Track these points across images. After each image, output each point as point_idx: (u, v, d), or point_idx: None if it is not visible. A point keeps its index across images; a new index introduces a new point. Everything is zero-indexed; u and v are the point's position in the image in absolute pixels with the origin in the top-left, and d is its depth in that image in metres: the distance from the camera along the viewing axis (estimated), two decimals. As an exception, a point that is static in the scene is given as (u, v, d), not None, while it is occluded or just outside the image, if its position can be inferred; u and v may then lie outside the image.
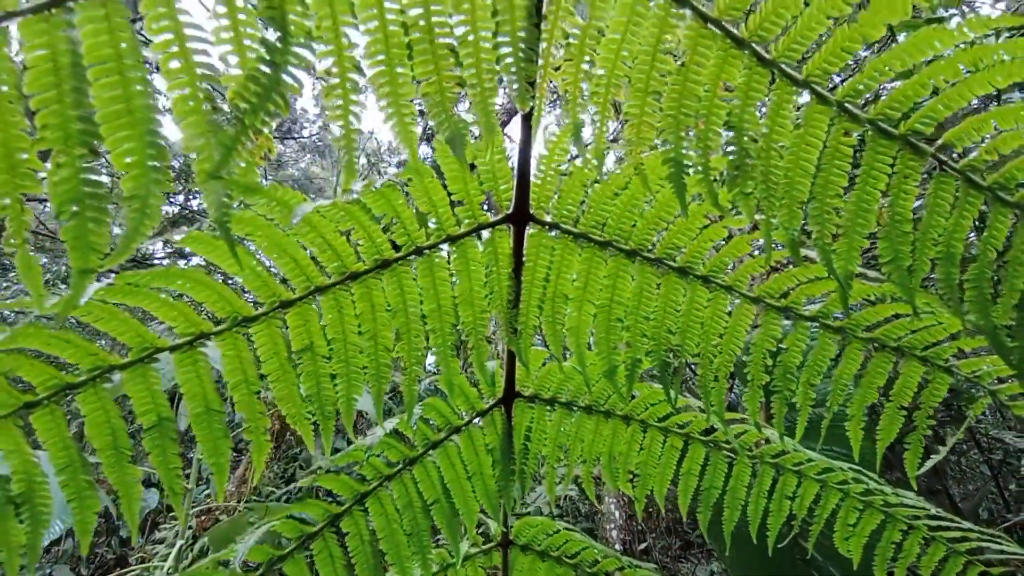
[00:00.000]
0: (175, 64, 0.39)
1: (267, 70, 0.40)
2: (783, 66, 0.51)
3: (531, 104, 0.47)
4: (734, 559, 1.43)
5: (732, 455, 0.77)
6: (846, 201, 0.54)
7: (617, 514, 3.21)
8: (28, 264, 0.38)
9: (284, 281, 0.55)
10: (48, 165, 0.37)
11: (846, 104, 0.53)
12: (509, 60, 0.46)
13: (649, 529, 3.40)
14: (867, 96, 0.54)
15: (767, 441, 0.76)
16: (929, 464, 0.73)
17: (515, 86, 0.46)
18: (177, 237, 0.46)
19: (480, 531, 0.80)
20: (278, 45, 0.41)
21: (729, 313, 0.65)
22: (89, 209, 0.37)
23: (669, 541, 3.49)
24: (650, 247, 0.62)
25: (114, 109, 0.38)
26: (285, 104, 0.41)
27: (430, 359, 0.60)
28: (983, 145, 0.54)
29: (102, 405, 0.52)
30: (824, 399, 0.67)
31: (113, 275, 0.48)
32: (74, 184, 0.37)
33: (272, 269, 0.58)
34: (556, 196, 0.58)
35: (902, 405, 0.68)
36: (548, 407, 0.73)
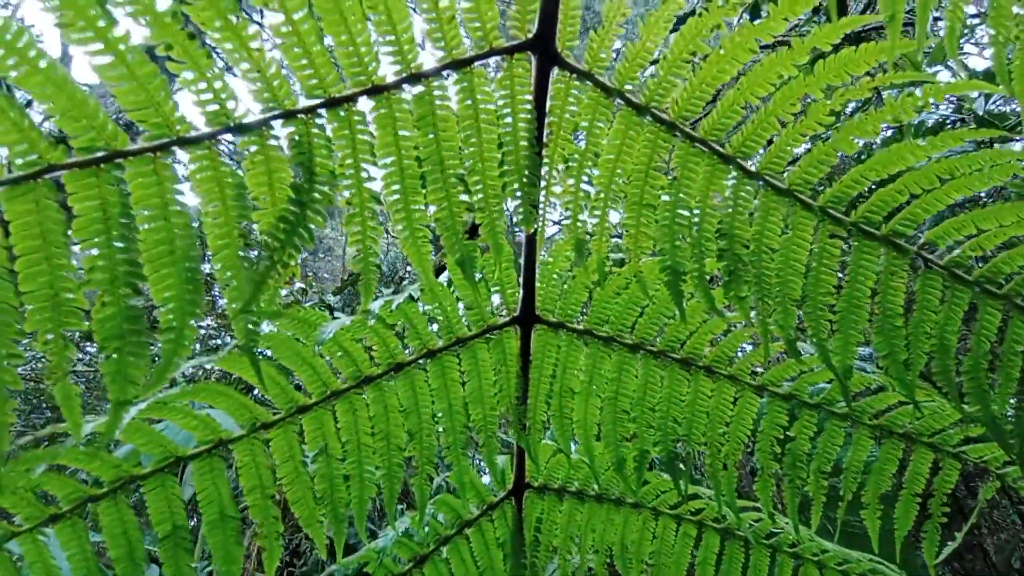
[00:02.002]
0: (213, 207, 0.43)
1: (294, 208, 0.45)
2: (768, 177, 0.55)
3: (536, 226, 0.51)
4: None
5: (747, 543, 0.75)
6: (838, 298, 0.57)
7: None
8: (68, 396, 0.40)
9: (298, 387, 0.58)
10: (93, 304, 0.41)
11: (829, 209, 0.56)
12: (515, 186, 0.50)
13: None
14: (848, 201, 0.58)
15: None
16: (946, 553, 0.71)
17: (520, 210, 0.50)
18: (208, 364, 0.48)
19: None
20: (305, 185, 0.45)
21: (735, 402, 0.67)
22: (130, 344, 0.40)
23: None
24: (652, 341, 0.65)
25: (158, 251, 0.41)
26: (310, 237, 0.45)
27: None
28: (967, 243, 0.57)
29: (120, 516, 0.53)
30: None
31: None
32: (118, 322, 0.40)
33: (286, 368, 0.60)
34: (560, 299, 0.61)
35: (915, 492, 0.68)
36: (558, 497, 0.73)
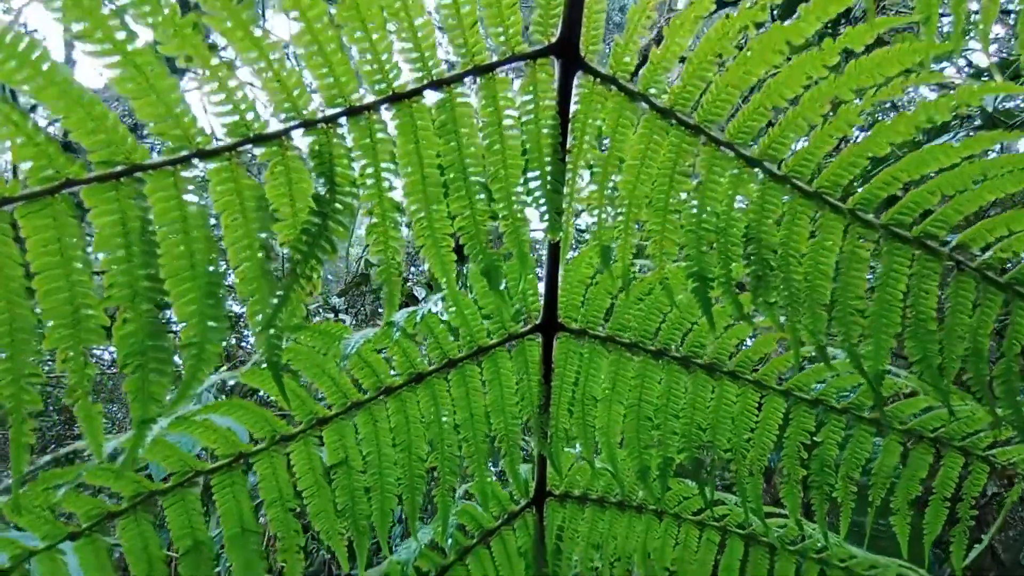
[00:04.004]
0: (233, 219, 0.42)
1: (316, 220, 0.43)
2: (795, 181, 0.54)
3: (560, 233, 0.50)
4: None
5: (773, 550, 0.74)
6: (869, 303, 0.55)
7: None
8: (89, 415, 0.39)
9: (319, 399, 0.57)
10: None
11: (858, 212, 0.55)
12: (539, 193, 0.49)
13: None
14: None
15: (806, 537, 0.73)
16: (972, 556, 0.70)
17: (545, 217, 0.49)
18: (231, 381, 0.47)
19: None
20: (326, 196, 0.44)
21: (759, 407, 0.65)
22: (152, 361, 0.39)
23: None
24: (676, 347, 0.63)
25: (179, 265, 0.40)
26: (333, 249, 0.44)
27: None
28: (998, 245, 0.55)
29: (140, 532, 0.53)
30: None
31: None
32: (140, 338, 0.39)
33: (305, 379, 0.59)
34: (583, 306, 0.60)
35: (945, 496, 0.67)
36: (579, 505, 0.72)
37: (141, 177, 0.40)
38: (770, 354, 0.65)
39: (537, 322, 0.60)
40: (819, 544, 0.72)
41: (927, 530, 0.66)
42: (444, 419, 0.59)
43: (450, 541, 0.63)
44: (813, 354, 0.64)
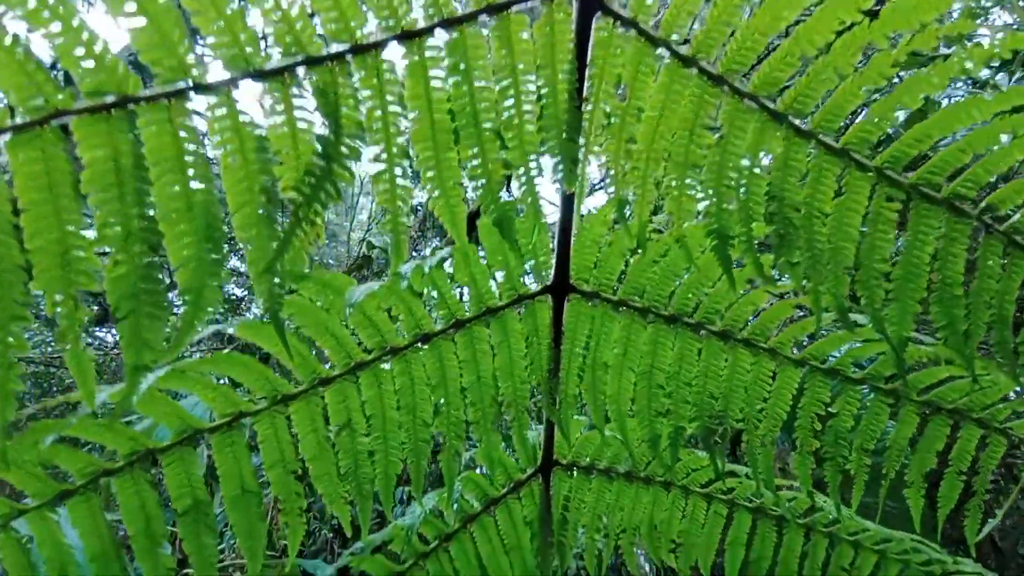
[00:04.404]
0: (233, 160, 0.40)
1: (320, 162, 0.41)
2: (821, 136, 0.51)
3: (576, 185, 0.48)
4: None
5: (781, 523, 0.73)
6: (895, 266, 0.53)
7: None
8: (80, 363, 0.37)
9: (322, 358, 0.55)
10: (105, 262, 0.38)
11: (886, 171, 0.53)
12: (553, 142, 0.46)
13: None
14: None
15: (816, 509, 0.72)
16: (986, 530, 0.69)
17: (560, 167, 0.47)
18: (230, 329, 0.45)
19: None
20: (331, 138, 0.42)
21: (774, 376, 0.64)
22: (146, 305, 0.37)
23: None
24: (690, 312, 0.61)
25: (174, 206, 0.38)
26: (337, 193, 0.42)
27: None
28: (1026, 207, 0.53)
29: (138, 490, 0.51)
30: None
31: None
32: (132, 281, 0.37)
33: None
34: (596, 267, 0.58)
35: (961, 470, 0.65)
36: (586, 475, 0.71)
37: (133, 110, 0.38)
38: (785, 321, 0.63)
39: (548, 283, 0.57)
40: (830, 517, 0.70)
41: (941, 504, 0.65)
42: (451, 382, 0.57)
43: (456, 506, 0.62)
44: (831, 323, 0.62)
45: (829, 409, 0.64)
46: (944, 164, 0.53)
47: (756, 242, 0.52)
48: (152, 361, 0.37)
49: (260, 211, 0.40)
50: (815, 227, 0.52)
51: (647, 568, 3.09)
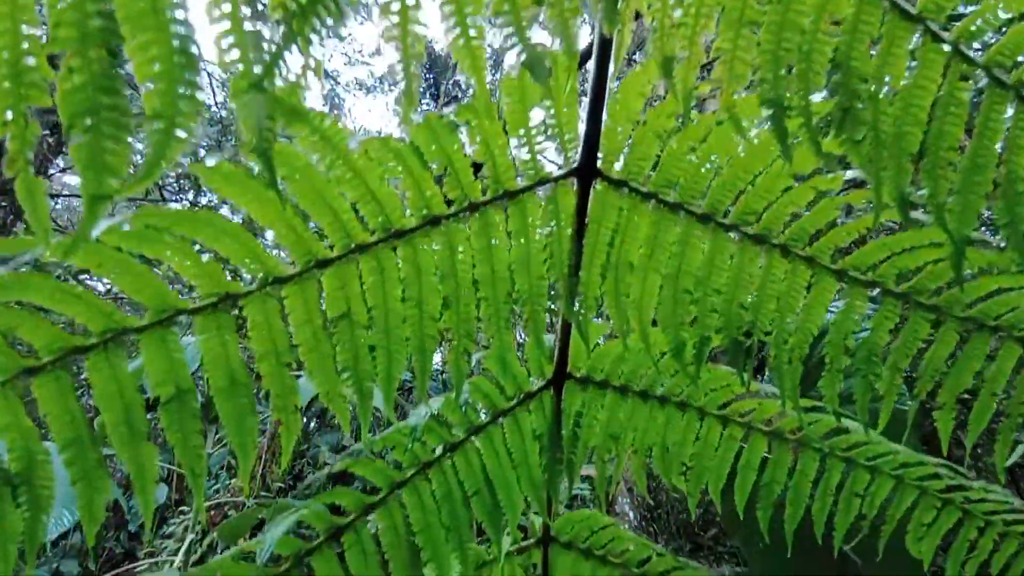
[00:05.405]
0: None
1: (319, -30, 0.34)
2: (897, -3, 0.45)
3: (617, 29, 0.41)
4: (767, 561, 1.36)
5: (797, 447, 0.70)
6: (961, 157, 0.48)
7: (632, 515, 3.14)
8: (31, 191, 0.31)
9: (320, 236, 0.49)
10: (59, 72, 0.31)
11: (961, 47, 0.46)
12: (595, -26, 0.39)
13: (660, 531, 3.33)
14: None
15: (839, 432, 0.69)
16: (1017, 454, 0.66)
17: (600, 5, 0.40)
18: (210, 161, 0.39)
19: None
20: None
21: (809, 287, 0.59)
22: (106, 123, 0.31)
23: (680, 544, 3.42)
24: (725, 211, 0.56)
25: (138, 8, 0.31)
26: (338, 10, 0.35)
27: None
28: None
29: (114, 374, 0.46)
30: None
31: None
32: (89, 93, 0.31)
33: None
34: (627, 149, 0.52)
35: (994, 392, 0.62)
36: (600, 391, 0.67)
37: None
38: (825, 228, 0.58)
39: (574, 165, 0.51)
40: (853, 440, 0.67)
41: (971, 426, 0.62)
42: (462, 273, 0.51)
43: (464, 409, 0.58)
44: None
45: (864, 325, 0.60)
46: (1016, 45, 0.46)
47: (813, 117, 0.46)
48: (115, 190, 0.31)
49: (244, 25, 0.33)
50: (881, 105, 0.46)
51: (631, 516, 3.17)
